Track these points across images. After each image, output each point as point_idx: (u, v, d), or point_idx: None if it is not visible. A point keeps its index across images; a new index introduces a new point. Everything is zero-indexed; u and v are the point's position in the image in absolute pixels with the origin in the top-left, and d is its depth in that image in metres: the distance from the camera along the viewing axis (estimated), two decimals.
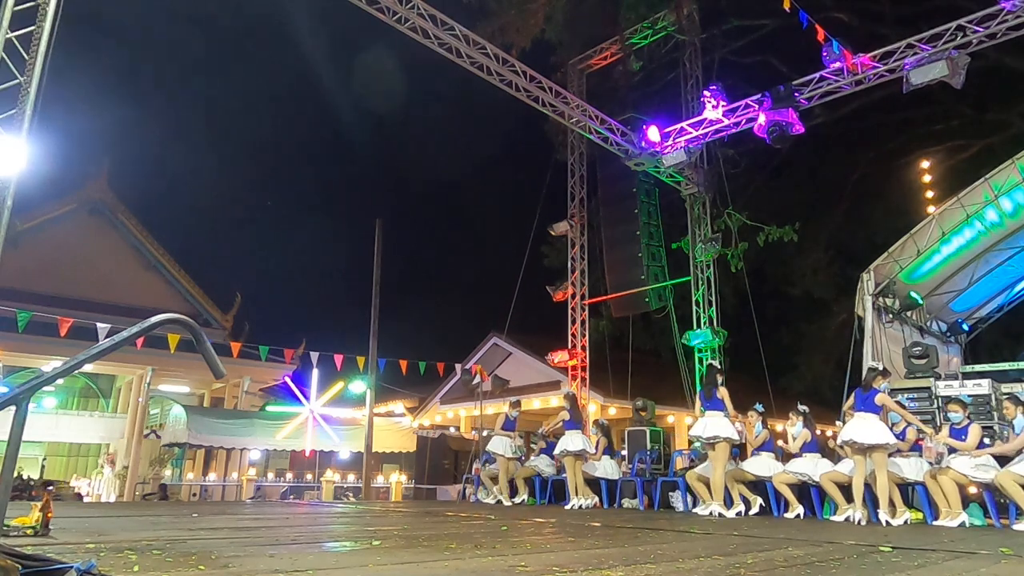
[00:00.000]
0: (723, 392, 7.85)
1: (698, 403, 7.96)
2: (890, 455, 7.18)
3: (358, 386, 20.05)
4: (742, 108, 13.10)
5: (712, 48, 18.06)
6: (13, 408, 2.35)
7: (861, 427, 6.87)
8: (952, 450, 6.91)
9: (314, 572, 2.99)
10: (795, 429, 8.10)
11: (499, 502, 10.14)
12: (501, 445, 10.21)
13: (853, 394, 7.28)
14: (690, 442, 10.13)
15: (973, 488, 6.90)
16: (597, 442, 10.34)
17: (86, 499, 19.29)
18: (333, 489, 17.08)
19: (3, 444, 2.37)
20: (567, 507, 9.33)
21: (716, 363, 8.09)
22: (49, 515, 4.31)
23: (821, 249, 22.45)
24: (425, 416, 23.68)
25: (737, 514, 7.95)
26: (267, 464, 21.37)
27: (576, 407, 9.88)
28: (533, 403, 20.23)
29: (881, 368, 7.31)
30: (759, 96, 12.58)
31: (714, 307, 14.47)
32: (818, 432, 8.30)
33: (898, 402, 7.97)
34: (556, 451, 9.77)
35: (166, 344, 15.65)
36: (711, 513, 7.74)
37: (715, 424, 7.70)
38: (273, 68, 61.28)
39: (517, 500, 10.43)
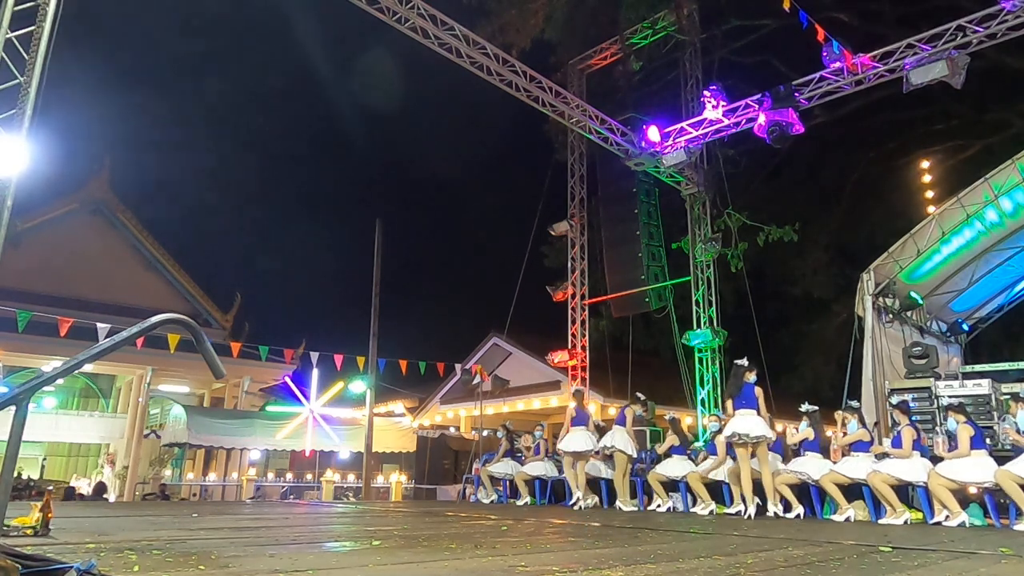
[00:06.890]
0: (759, 391, 7.58)
1: (729, 403, 7.65)
2: (887, 456, 7.22)
3: (358, 386, 20.04)
4: (742, 108, 13.10)
5: (712, 48, 18.05)
6: (13, 408, 2.35)
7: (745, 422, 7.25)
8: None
9: (314, 572, 2.99)
10: (850, 427, 7.76)
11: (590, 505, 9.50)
12: (583, 442, 9.29)
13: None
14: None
15: (973, 488, 6.91)
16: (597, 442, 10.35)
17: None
18: (333, 489, 17.07)
19: (3, 444, 2.37)
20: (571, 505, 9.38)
21: (744, 362, 7.66)
22: (49, 515, 4.31)
23: (821, 249, 22.41)
24: (425, 416, 23.68)
25: (710, 512, 8.08)
26: (267, 464, 21.37)
27: (582, 404, 9.62)
28: (533, 403, 20.24)
29: (748, 363, 7.63)
30: (759, 96, 12.58)
31: (714, 307, 14.48)
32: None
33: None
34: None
35: (166, 344, 15.63)
36: (775, 514, 7.42)
37: (757, 423, 7.37)
38: (274, 68, 61.33)
39: (520, 502, 10.42)
